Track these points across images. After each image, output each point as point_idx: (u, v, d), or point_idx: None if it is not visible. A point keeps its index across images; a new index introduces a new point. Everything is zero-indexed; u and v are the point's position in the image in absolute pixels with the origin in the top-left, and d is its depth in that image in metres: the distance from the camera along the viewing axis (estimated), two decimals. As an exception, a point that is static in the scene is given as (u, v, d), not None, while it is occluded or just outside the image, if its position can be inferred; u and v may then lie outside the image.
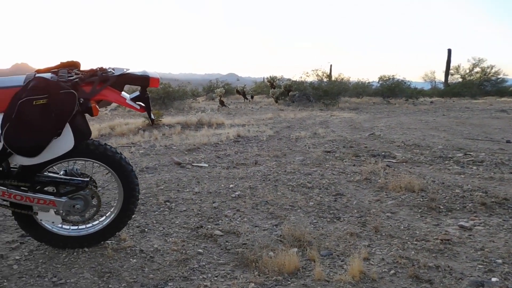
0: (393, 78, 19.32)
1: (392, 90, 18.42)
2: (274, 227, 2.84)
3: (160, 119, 8.71)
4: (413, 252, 2.41)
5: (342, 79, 18.38)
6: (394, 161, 4.89)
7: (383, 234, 2.73)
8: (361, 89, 19.77)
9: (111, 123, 8.38)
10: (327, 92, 14.73)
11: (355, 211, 3.19)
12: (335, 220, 3.01)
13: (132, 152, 5.54)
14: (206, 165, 4.76)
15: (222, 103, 15.37)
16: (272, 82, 18.84)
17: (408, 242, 2.57)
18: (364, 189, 3.76)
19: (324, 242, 2.58)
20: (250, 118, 10.00)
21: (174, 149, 5.71)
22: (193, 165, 4.73)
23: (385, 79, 19.72)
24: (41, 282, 2.08)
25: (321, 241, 2.60)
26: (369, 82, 21.18)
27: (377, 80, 20.37)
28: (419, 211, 3.16)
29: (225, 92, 17.78)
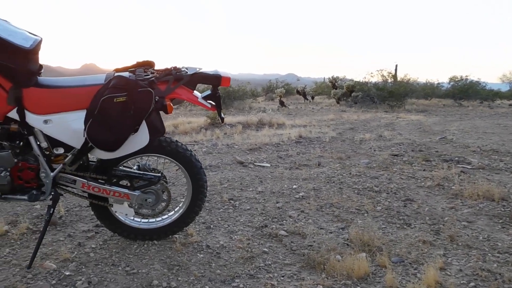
0: (466, 79, 18.12)
1: (465, 92, 17.26)
2: (341, 230, 2.77)
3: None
4: (495, 265, 2.23)
5: (409, 79, 17.55)
6: (469, 167, 4.57)
7: (460, 243, 2.55)
8: (429, 91, 18.73)
9: (174, 122, 8.68)
10: (393, 93, 14.15)
11: (427, 218, 3.01)
12: (405, 226, 2.87)
13: (195, 150, 5.69)
14: (268, 165, 4.76)
15: (282, 103, 15.35)
16: (334, 83, 18.52)
17: (489, 254, 2.38)
18: (436, 196, 3.55)
19: (394, 249, 2.47)
20: (311, 119, 9.88)
21: (236, 148, 5.78)
22: (255, 165, 4.75)
23: (456, 80, 18.57)
24: (115, 270, 2.18)
25: (391, 247, 2.49)
26: (438, 83, 20.05)
27: (447, 80, 19.25)
28: (500, 221, 2.91)
29: (285, 92, 17.74)
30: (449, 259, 2.35)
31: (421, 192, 3.66)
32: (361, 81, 16.85)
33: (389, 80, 17.25)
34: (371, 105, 14.21)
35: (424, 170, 4.45)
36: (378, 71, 17.69)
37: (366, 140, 6.36)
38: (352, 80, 16.94)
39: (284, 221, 2.91)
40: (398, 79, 17.73)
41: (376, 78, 17.42)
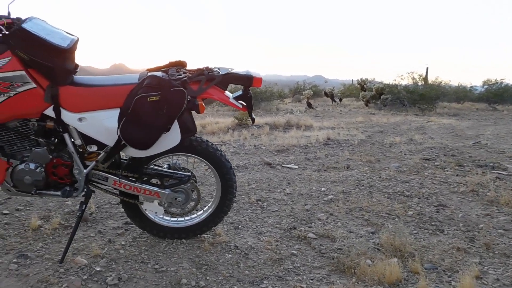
0: (501, 83, 17.45)
1: (500, 96, 16.62)
2: (371, 234, 2.70)
3: (249, 119, 8.88)
4: (536, 276, 2.12)
5: (440, 82, 17.05)
6: (505, 173, 4.38)
7: (496, 252, 2.45)
8: (462, 94, 18.14)
9: (202, 122, 8.74)
10: (424, 96, 13.78)
11: (461, 224, 2.90)
12: (437, 232, 2.77)
13: (223, 150, 5.70)
14: (296, 166, 4.72)
15: (309, 105, 15.23)
16: (362, 85, 18.22)
17: (529, 265, 2.27)
18: (470, 202, 3.42)
19: (427, 255, 2.39)
20: (339, 121, 9.75)
21: (263, 149, 5.76)
22: (283, 166, 4.72)
23: (490, 83, 17.92)
24: (145, 267, 2.20)
25: (423, 253, 2.41)
26: (471, 87, 19.39)
27: (481, 84, 18.59)
28: (540, 230, 2.78)
29: (312, 94, 17.58)
30: (485, 267, 2.25)
31: (454, 197, 3.53)
32: (390, 83, 16.50)
33: (420, 83, 16.82)
34: (400, 108, 13.91)
35: (457, 175, 4.30)
36: (408, 73, 17.29)
37: (396, 144, 6.22)
38: (382, 83, 16.62)
39: (313, 224, 2.87)
40: (429, 81, 17.27)
41: (406, 81, 17.03)
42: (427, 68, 17.70)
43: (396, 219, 2.99)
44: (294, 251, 2.43)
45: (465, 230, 2.80)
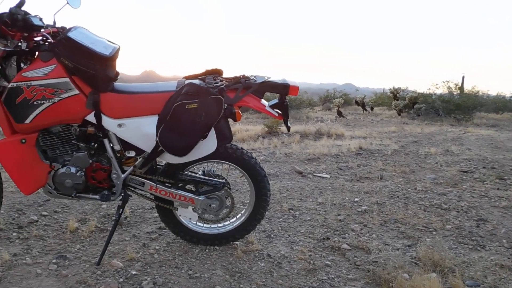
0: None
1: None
2: (407, 247, 2.62)
3: (279, 127, 8.86)
4: None
5: (478, 92, 16.47)
6: (550, 187, 4.17)
7: (543, 271, 2.32)
8: (501, 104, 17.46)
9: (232, 129, 8.77)
10: (460, 106, 13.34)
11: (504, 240, 2.77)
12: (478, 248, 2.66)
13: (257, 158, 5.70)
14: (328, 176, 4.65)
15: (340, 113, 15.06)
16: (395, 94, 17.87)
17: None
18: (513, 217, 3.27)
19: (468, 271, 2.29)
20: (371, 130, 9.58)
21: (294, 158, 5.73)
22: (314, 175, 4.67)
23: (531, 93, 17.17)
24: (179, 273, 2.21)
25: (464, 269, 2.31)
26: (511, 97, 18.63)
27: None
28: None
29: (343, 102, 17.37)
30: (533, 287, 2.14)
31: (495, 212, 3.38)
32: (424, 92, 16.09)
33: (455, 92, 16.32)
34: (435, 118, 13.52)
35: (498, 189, 4.12)
36: (443, 82, 16.82)
37: (432, 155, 6.04)
38: (415, 91, 16.23)
39: (347, 235, 2.82)
40: (465, 91, 16.73)
41: (441, 90, 16.56)
42: (463, 77, 17.16)
43: (434, 233, 2.89)
44: (328, 262, 2.39)
45: (509, 247, 2.68)
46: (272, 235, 2.79)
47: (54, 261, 2.29)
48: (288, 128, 2.27)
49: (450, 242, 2.74)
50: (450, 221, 3.14)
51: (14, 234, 2.64)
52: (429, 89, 16.51)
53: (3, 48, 2.02)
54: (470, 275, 2.25)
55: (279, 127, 8.72)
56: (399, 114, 15.61)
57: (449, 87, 16.54)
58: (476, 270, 2.31)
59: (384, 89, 25.66)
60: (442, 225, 3.03)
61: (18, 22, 1.99)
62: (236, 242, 2.59)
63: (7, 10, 2.02)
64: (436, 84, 16.79)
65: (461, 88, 17.02)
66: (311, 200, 3.65)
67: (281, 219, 3.11)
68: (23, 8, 2.09)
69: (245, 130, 8.80)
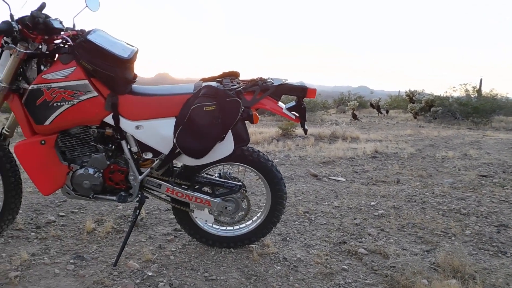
0: None
1: None
2: (425, 252, 2.57)
3: (294, 129, 8.83)
4: None
5: (496, 95, 16.16)
6: None
7: None
8: (521, 107, 17.12)
9: (248, 131, 8.76)
10: (478, 109, 13.11)
11: (526, 247, 2.70)
12: (500, 254, 2.60)
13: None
14: (343, 179, 4.61)
15: (354, 116, 14.95)
16: (411, 96, 17.66)
17: None
18: (535, 223, 3.18)
19: (489, 278, 2.24)
20: (386, 134, 9.48)
21: (309, 161, 5.69)
22: (329, 178, 4.63)
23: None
24: (195, 275, 2.21)
25: (485, 276, 2.26)
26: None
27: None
28: None
29: (358, 105, 17.23)
30: (557, 296, 2.07)
31: (517, 217, 3.30)
32: (441, 95, 15.86)
33: (473, 95, 16.04)
34: (452, 121, 13.31)
35: (519, 193, 4.03)
36: (461, 85, 16.57)
37: (449, 158, 5.94)
38: (432, 94, 16.01)
39: (363, 239, 2.78)
40: (483, 94, 16.44)
41: (458, 93, 16.31)
42: (480, 80, 16.87)
43: (453, 238, 2.84)
44: (345, 266, 2.36)
45: (531, 254, 2.61)
46: (287, 238, 2.77)
47: (71, 261, 2.31)
48: (305, 131, 2.25)
49: (470, 248, 2.68)
50: (470, 226, 3.08)
51: (32, 234, 2.68)
52: (446, 92, 16.28)
53: (24, 51, 2.06)
54: (491, 282, 2.20)
55: (294, 129, 8.69)
56: (415, 117, 15.41)
57: (466, 90, 16.28)
58: (498, 277, 2.25)
59: (399, 91, 25.37)
60: (461, 230, 2.97)
61: (39, 25, 2.02)
62: (252, 245, 2.58)
63: (28, 14, 2.06)
64: (453, 87, 16.55)
65: (479, 91, 16.74)
66: (326, 203, 3.62)
67: (296, 222, 3.09)
68: (43, 11, 2.12)
69: (259, 132, 8.79)
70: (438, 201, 3.72)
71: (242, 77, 2.30)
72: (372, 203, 3.63)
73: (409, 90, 18.07)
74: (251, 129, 9.52)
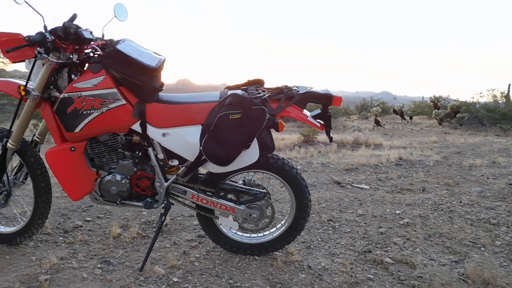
0: None
1: None
2: (454, 263, 2.51)
3: (316, 136, 8.78)
4: None
5: (525, 101, 15.69)
6: None
7: None
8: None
9: (271, 139, 8.75)
10: (506, 116, 12.74)
11: (561, 259, 2.60)
12: (532, 267, 2.51)
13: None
14: (367, 187, 4.55)
15: (377, 122, 14.75)
16: (436, 102, 17.30)
17: None
18: None
19: (522, 292, 2.16)
20: (411, 140, 9.31)
21: (332, 168, 5.65)
22: (353, 186, 4.58)
23: None
24: (219, 282, 2.22)
25: (517, 289, 2.18)
26: None
27: None
28: None
29: (381, 111, 16.99)
30: None
31: (550, 228, 3.18)
32: (467, 101, 15.49)
33: (501, 101, 15.61)
34: (479, 128, 12.97)
35: (552, 203, 3.88)
36: (488, 91, 16.14)
37: (477, 166, 5.78)
38: (458, 100, 15.66)
39: (389, 248, 2.73)
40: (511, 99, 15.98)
41: (485, 98, 15.90)
42: (509, 85, 16.39)
43: (482, 249, 2.76)
44: (370, 276, 2.32)
45: None
46: (312, 246, 2.75)
47: (98, 265, 2.36)
48: (331, 139, 2.24)
49: (501, 259, 2.60)
50: (500, 237, 2.98)
51: (60, 238, 2.74)
52: (473, 98, 15.89)
53: (56, 60, 2.13)
54: (524, 295, 2.13)
55: (316, 136, 8.65)
56: (440, 124, 15.10)
57: (494, 96, 15.85)
58: (531, 290, 2.18)
59: (423, 97, 24.91)
60: (491, 241, 2.88)
61: (71, 36, 2.09)
62: (276, 253, 2.57)
63: (60, 25, 2.13)
64: (480, 93, 16.15)
65: (507, 96, 16.27)
66: (350, 211, 3.58)
67: (320, 230, 3.07)
68: (74, 22, 2.19)
69: (281, 139, 8.78)
70: (466, 210, 3.63)
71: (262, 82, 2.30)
72: (397, 211, 3.57)
73: (434, 96, 17.72)
74: (273, 136, 9.49)
